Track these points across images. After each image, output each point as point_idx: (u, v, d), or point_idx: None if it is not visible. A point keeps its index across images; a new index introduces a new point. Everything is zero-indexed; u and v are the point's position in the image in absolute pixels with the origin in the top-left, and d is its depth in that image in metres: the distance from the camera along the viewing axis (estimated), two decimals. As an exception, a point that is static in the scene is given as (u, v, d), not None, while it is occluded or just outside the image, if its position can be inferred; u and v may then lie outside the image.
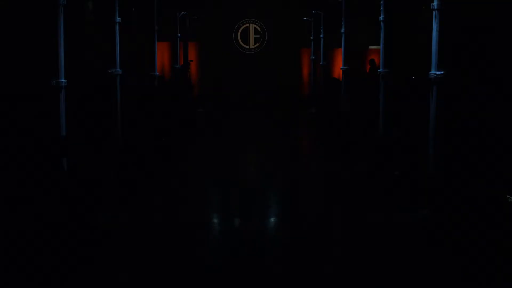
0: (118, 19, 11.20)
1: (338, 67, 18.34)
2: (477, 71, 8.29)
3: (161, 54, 18.87)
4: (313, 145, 16.08)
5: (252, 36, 25.47)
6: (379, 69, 11.88)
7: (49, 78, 7.81)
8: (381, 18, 11.61)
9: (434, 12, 8.52)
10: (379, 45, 11.90)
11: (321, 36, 20.36)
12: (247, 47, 25.50)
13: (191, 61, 22.14)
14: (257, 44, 25.47)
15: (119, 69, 11.18)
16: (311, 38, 22.87)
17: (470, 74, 8.46)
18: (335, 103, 16.67)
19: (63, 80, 7.91)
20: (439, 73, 8.56)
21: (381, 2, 11.62)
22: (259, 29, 25.43)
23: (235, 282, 6.25)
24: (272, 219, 8.65)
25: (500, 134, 7.55)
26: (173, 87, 17.07)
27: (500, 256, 6.18)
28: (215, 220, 8.58)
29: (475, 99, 8.14)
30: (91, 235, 7.17)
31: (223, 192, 10.30)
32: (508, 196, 6.69)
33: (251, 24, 25.43)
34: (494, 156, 7.47)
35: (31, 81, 7.65)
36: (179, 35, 19.29)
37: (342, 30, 15.76)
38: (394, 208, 8.69)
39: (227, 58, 24.92)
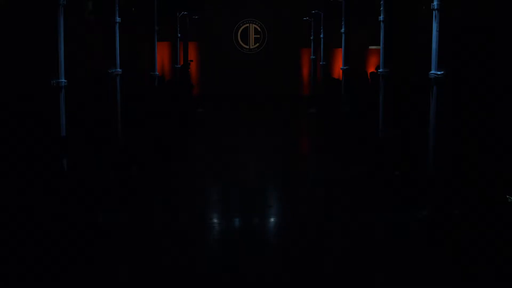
0: (118, 19, 11.19)
1: (338, 67, 18.31)
2: (478, 71, 8.28)
3: (161, 54, 18.85)
4: (312, 145, 16.06)
5: (252, 36, 25.47)
6: (379, 69, 11.86)
7: (49, 78, 7.79)
8: (381, 18, 11.59)
9: (434, 12, 8.51)
10: (379, 45, 11.89)
11: (321, 35, 20.33)
12: (247, 47, 25.50)
13: (191, 61, 22.11)
14: (257, 44, 25.47)
15: (119, 69, 11.17)
16: (311, 38, 22.83)
17: (470, 74, 8.44)
18: (335, 103, 16.62)
19: (63, 80, 7.90)
20: (439, 73, 8.55)
21: (381, 2, 11.61)
22: (259, 29, 25.42)
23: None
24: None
25: (503, 133, 7.54)
26: (174, 87, 17.05)
27: (501, 257, 6.17)
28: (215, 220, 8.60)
29: (478, 98, 8.11)
30: (91, 234, 7.17)
31: (223, 192, 10.32)
32: (508, 196, 6.68)
33: (251, 24, 25.43)
34: (495, 156, 7.46)
35: (31, 81, 7.64)
36: (179, 35, 19.27)
37: (342, 30, 15.74)
38: (395, 207, 8.70)
39: (227, 58, 24.93)
